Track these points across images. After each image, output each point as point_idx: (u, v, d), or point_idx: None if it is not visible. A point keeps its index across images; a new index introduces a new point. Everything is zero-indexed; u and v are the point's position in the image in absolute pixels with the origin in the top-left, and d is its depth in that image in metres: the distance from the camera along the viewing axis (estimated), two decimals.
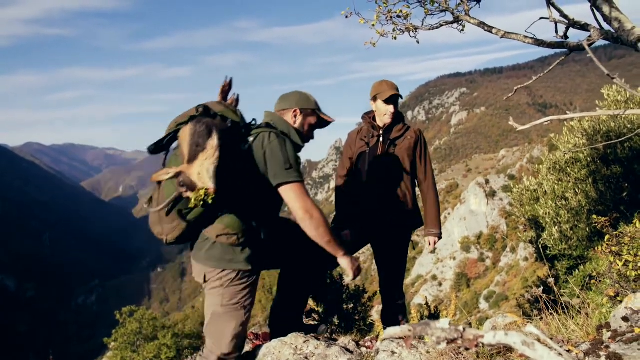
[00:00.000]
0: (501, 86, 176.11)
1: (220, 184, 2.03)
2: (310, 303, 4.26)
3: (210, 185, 2.00)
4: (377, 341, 2.72)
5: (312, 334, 2.72)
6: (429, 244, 3.34)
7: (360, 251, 3.78)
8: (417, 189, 3.39)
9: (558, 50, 2.84)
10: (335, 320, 4.22)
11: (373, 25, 3.29)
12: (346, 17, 3.34)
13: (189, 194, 2.04)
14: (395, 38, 3.33)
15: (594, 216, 3.13)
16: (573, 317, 2.18)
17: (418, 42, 3.39)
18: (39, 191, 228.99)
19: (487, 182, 64.39)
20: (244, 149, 2.24)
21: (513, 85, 3.02)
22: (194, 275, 2.42)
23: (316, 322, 3.99)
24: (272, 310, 2.95)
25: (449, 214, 67.97)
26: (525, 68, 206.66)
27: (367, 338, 2.99)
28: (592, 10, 2.49)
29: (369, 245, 3.41)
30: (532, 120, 2.34)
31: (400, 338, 0.94)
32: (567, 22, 2.64)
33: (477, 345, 0.85)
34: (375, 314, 4.87)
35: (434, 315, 5.55)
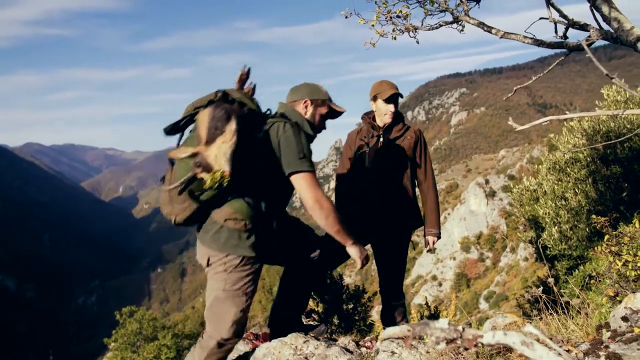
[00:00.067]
0: (501, 86, 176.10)
1: (235, 168, 2.08)
2: (310, 303, 4.26)
3: (226, 167, 2.04)
4: (377, 341, 2.72)
5: (312, 334, 2.72)
6: (428, 243, 3.35)
7: None
8: (417, 189, 3.40)
9: (558, 51, 2.84)
10: (335, 321, 4.23)
11: (373, 25, 3.29)
12: (346, 17, 3.34)
13: (204, 175, 2.09)
14: (395, 38, 3.33)
15: (594, 216, 3.13)
16: (573, 317, 2.18)
17: (418, 42, 3.39)
18: (39, 191, 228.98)
19: (487, 182, 64.39)
20: (259, 137, 2.28)
21: (513, 86, 3.02)
22: (197, 258, 2.43)
23: (316, 323, 4.00)
24: (272, 311, 2.95)
25: (448, 214, 67.96)
26: (525, 68, 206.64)
27: (367, 338, 2.99)
28: (592, 10, 2.49)
29: (369, 246, 3.41)
30: (531, 121, 2.35)
31: (399, 338, 0.94)
32: (566, 22, 2.65)
33: (476, 345, 0.85)
34: (375, 314, 4.87)
35: (434, 316, 5.55)
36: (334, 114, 2.66)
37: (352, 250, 2.48)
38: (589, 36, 2.48)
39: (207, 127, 2.07)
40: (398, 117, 3.29)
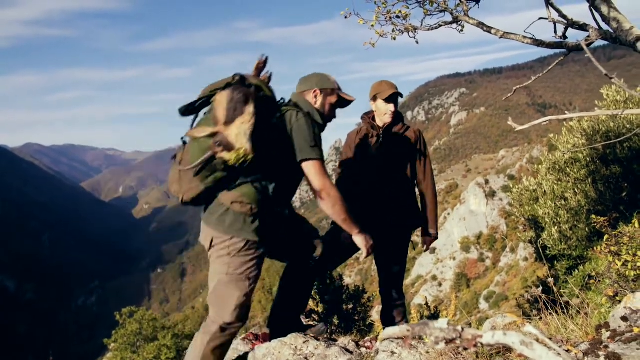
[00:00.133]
0: (501, 86, 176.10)
1: (254, 148, 2.12)
2: (310, 303, 4.26)
3: (248, 146, 2.08)
4: (376, 341, 2.72)
5: (311, 334, 2.72)
6: (424, 244, 3.35)
7: (361, 251, 3.78)
8: (416, 189, 3.40)
9: (557, 51, 2.85)
10: (335, 321, 4.23)
11: (372, 25, 3.30)
12: (345, 17, 3.35)
13: (224, 155, 2.12)
14: (395, 38, 3.34)
15: (593, 216, 3.13)
16: (572, 317, 2.18)
17: (417, 42, 3.39)
18: (39, 192, 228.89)
19: (487, 182, 64.38)
20: (273, 122, 2.32)
21: (512, 86, 3.03)
22: (200, 239, 2.44)
23: (316, 323, 4.00)
24: (272, 311, 2.95)
25: (448, 214, 67.95)
26: (525, 68, 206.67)
27: (366, 338, 3.00)
28: (591, 11, 2.50)
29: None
30: (531, 121, 2.35)
31: (399, 338, 0.94)
32: (565, 22, 2.65)
33: (475, 345, 0.85)
34: (375, 314, 4.87)
35: (434, 316, 5.55)
36: (344, 102, 2.69)
37: (359, 239, 2.55)
38: (588, 36, 2.49)
39: (226, 108, 2.11)
40: (398, 117, 3.29)
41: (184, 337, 13.89)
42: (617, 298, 2.30)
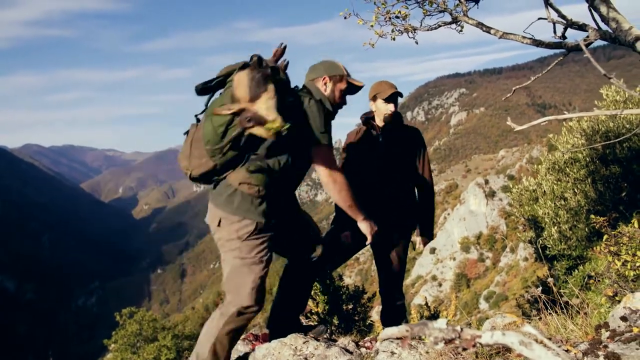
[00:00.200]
0: (500, 86, 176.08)
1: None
2: (310, 304, 4.26)
3: (280, 118, 2.12)
4: (376, 342, 2.72)
5: (311, 335, 2.72)
6: (419, 245, 3.36)
7: (360, 251, 3.78)
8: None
9: (557, 51, 2.85)
10: (335, 321, 4.23)
11: (372, 26, 3.30)
12: (345, 17, 3.35)
13: (257, 130, 2.15)
14: (394, 39, 3.34)
15: (593, 216, 3.13)
16: (572, 317, 2.18)
17: (417, 42, 3.39)
18: (38, 192, 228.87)
19: (487, 182, 64.38)
20: (288, 104, 2.33)
21: (512, 86, 3.03)
22: (206, 220, 2.45)
23: (316, 323, 4.00)
24: (272, 311, 2.96)
25: (448, 214, 67.96)
26: (525, 68, 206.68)
27: (366, 338, 3.00)
28: (590, 11, 2.50)
29: (369, 246, 3.42)
30: (531, 121, 2.35)
31: (398, 338, 0.94)
32: (565, 22, 2.65)
33: (474, 346, 0.85)
34: (375, 314, 4.87)
35: (434, 316, 5.55)
36: (353, 88, 2.71)
37: (363, 226, 2.62)
38: (587, 36, 2.49)
39: (249, 85, 2.13)
40: (397, 117, 3.29)
41: (184, 337, 13.91)
42: (617, 298, 2.31)
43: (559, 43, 2.69)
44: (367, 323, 4.54)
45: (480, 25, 2.98)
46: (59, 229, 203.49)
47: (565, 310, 2.22)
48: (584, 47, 2.24)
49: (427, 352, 2.13)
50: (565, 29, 2.67)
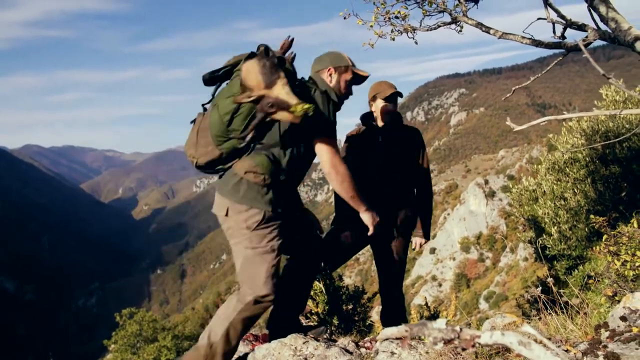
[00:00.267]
0: (500, 87, 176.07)
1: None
2: (310, 304, 4.26)
3: (302, 101, 2.15)
4: (376, 342, 2.72)
5: (311, 335, 2.72)
6: (415, 245, 3.35)
7: (360, 252, 3.78)
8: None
9: (557, 51, 2.85)
10: (335, 321, 4.22)
11: (371, 26, 3.30)
12: (344, 18, 3.35)
13: (280, 115, 2.17)
14: (394, 39, 3.34)
15: (592, 216, 3.13)
16: (572, 317, 2.18)
17: (416, 42, 3.40)
18: (38, 193, 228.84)
19: (487, 182, 64.37)
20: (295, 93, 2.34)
21: (512, 86, 3.03)
22: (214, 210, 2.46)
23: (315, 324, 4.00)
24: (272, 311, 2.95)
25: (448, 214, 67.96)
26: (524, 68, 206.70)
27: (366, 339, 2.99)
28: (589, 11, 2.50)
29: (369, 246, 3.42)
30: (530, 121, 2.35)
31: (397, 338, 0.94)
32: (564, 22, 2.65)
33: (473, 346, 0.85)
34: (375, 314, 4.87)
35: (434, 316, 5.55)
36: (359, 78, 2.71)
37: (366, 217, 2.61)
38: (587, 36, 2.49)
39: (262, 73, 2.14)
40: (397, 117, 3.29)
41: (184, 338, 13.90)
42: (616, 298, 2.31)
43: (558, 43, 2.69)
44: (367, 323, 4.54)
45: (479, 25, 2.99)
46: (58, 230, 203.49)
47: (565, 310, 2.23)
48: (582, 47, 2.24)
49: (427, 352, 2.13)
50: (564, 29, 2.67)
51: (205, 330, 2.42)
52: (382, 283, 3.34)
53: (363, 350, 2.61)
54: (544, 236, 5.40)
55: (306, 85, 2.43)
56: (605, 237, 2.66)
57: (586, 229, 5.06)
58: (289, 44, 2.37)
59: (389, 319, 3.32)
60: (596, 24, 2.51)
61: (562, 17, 2.67)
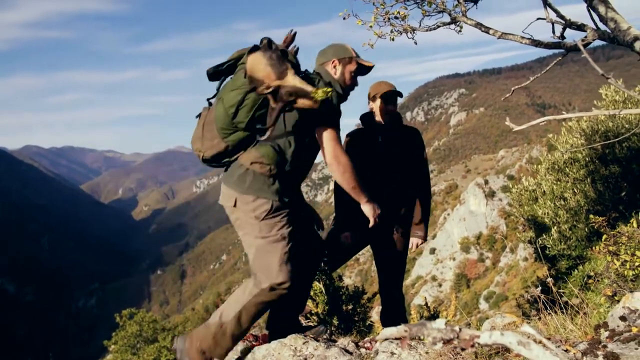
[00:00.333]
0: (500, 87, 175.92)
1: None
2: (310, 304, 4.26)
3: (317, 87, 2.18)
4: (376, 342, 2.72)
5: (311, 335, 2.72)
6: (412, 245, 3.34)
7: (360, 252, 3.78)
8: None
9: (556, 51, 2.85)
10: (335, 322, 4.23)
11: (371, 26, 3.30)
12: (344, 18, 3.35)
13: (301, 102, 2.20)
14: (393, 39, 3.34)
15: (592, 216, 3.13)
16: (572, 317, 2.18)
17: (416, 43, 3.40)
18: (38, 194, 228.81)
19: (486, 182, 64.35)
20: None
21: (512, 86, 3.03)
22: (220, 201, 2.47)
23: (315, 324, 4.00)
24: (271, 312, 2.95)
25: (448, 214, 67.94)
26: (524, 68, 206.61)
27: (366, 339, 2.99)
28: (589, 11, 2.50)
29: (369, 246, 3.42)
30: (530, 121, 2.35)
31: (397, 339, 0.94)
32: (563, 22, 2.65)
33: (473, 346, 0.85)
34: (375, 314, 4.87)
35: (434, 316, 5.55)
36: (363, 69, 2.70)
37: (367, 208, 2.61)
38: (586, 36, 2.49)
39: (270, 65, 2.16)
40: (397, 117, 3.29)
41: None
42: (616, 298, 2.31)
43: (557, 43, 2.69)
44: (367, 323, 4.54)
45: (479, 25, 2.99)
46: (58, 231, 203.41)
47: (564, 310, 2.23)
48: (581, 47, 2.24)
49: (426, 353, 2.13)
50: (563, 29, 2.67)
51: (218, 310, 2.43)
52: (382, 283, 3.34)
53: (363, 350, 2.61)
54: (544, 236, 5.40)
55: (310, 77, 2.44)
56: (604, 237, 2.66)
57: (586, 229, 5.06)
58: (291, 38, 2.38)
59: (388, 319, 3.32)
60: (595, 24, 2.51)
61: (562, 17, 2.67)
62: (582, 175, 5.35)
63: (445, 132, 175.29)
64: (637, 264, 2.29)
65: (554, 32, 2.71)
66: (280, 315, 2.88)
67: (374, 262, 3.43)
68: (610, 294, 2.33)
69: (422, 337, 0.94)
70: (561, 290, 3.69)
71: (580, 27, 2.60)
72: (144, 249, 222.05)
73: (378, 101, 3.23)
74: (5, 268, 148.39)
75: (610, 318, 1.94)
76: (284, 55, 2.23)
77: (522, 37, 2.78)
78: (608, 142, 4.24)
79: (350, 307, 4.49)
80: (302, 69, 2.47)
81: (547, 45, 2.73)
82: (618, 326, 1.83)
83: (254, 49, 2.24)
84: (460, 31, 3.25)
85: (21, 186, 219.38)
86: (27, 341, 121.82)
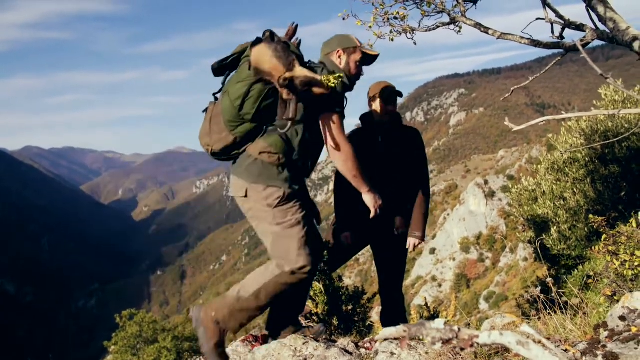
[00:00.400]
0: (499, 87, 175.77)
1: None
2: (310, 305, 4.26)
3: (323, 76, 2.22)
4: (376, 342, 2.72)
5: (311, 336, 2.72)
6: (410, 246, 3.33)
7: (361, 252, 3.78)
8: None
9: (556, 51, 2.85)
10: (335, 322, 4.22)
11: (370, 27, 3.30)
12: (343, 19, 3.35)
13: (316, 90, 2.23)
14: (393, 40, 3.34)
15: (591, 216, 3.14)
16: (572, 317, 2.18)
17: (415, 43, 3.39)
18: (38, 195, 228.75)
19: (486, 182, 64.32)
20: None
21: (511, 86, 3.03)
22: (231, 192, 2.49)
23: (315, 324, 3.99)
24: (271, 312, 2.95)
25: (448, 214, 67.90)
26: (524, 69, 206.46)
27: (366, 339, 2.99)
28: (588, 11, 2.50)
29: (369, 247, 3.42)
30: (530, 121, 2.35)
31: (396, 339, 0.95)
32: (562, 22, 2.65)
33: (472, 345, 0.85)
34: (375, 315, 4.87)
35: (434, 317, 5.54)
36: (369, 58, 2.72)
37: (368, 198, 2.61)
38: (585, 36, 2.49)
39: (277, 57, 2.18)
40: (397, 117, 3.30)
41: (184, 339, 13.88)
42: (615, 297, 2.31)
43: (556, 43, 2.69)
44: (367, 324, 4.54)
45: (478, 25, 2.99)
46: (58, 232, 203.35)
47: (564, 310, 2.23)
48: (580, 47, 2.24)
49: (426, 353, 2.13)
50: (563, 29, 2.67)
51: (236, 285, 2.44)
52: (382, 283, 3.34)
53: (363, 350, 2.61)
54: (544, 236, 5.40)
55: (312, 68, 2.45)
56: (604, 236, 2.66)
57: (585, 229, 5.07)
58: (293, 30, 2.41)
59: (388, 320, 3.32)
60: (594, 24, 2.51)
61: (561, 17, 2.67)
62: (582, 175, 5.36)
63: (445, 132, 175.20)
64: (636, 263, 2.29)
65: (553, 32, 2.71)
66: (280, 315, 2.89)
67: (374, 262, 3.43)
68: (610, 294, 2.33)
69: (421, 337, 0.94)
70: (561, 290, 3.69)
71: (580, 27, 2.60)
72: (144, 249, 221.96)
73: (378, 101, 3.23)
74: (5, 268, 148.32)
75: (610, 318, 1.94)
76: (287, 47, 2.24)
77: (522, 37, 2.78)
78: (607, 142, 4.24)
79: (350, 307, 4.49)
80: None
81: (547, 46, 2.73)
82: (617, 326, 1.83)
83: (257, 41, 2.26)
84: (459, 31, 3.24)
85: (21, 187, 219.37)
86: (27, 342, 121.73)
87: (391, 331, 0.97)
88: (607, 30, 2.43)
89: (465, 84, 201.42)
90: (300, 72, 2.19)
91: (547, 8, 2.67)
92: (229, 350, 2.65)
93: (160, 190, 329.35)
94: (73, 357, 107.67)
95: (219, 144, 2.40)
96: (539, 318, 2.34)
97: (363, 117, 3.39)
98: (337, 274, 4.64)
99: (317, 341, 2.60)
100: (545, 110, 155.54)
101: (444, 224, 66.12)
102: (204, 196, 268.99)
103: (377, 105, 3.25)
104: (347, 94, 2.56)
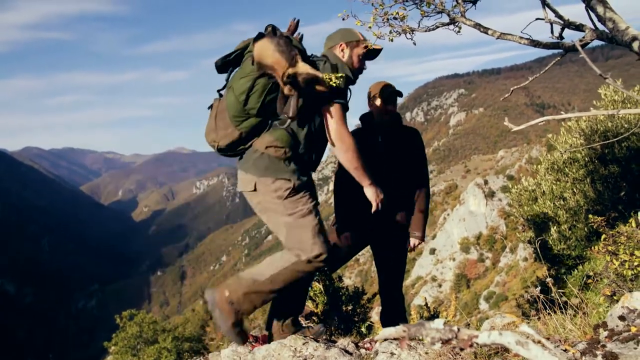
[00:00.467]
0: (499, 87, 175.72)
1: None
2: (310, 305, 4.26)
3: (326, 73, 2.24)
4: (376, 342, 2.72)
5: (310, 336, 2.72)
6: (410, 246, 3.34)
7: (360, 252, 3.78)
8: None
9: (555, 51, 2.85)
10: (335, 322, 4.23)
11: (370, 27, 3.30)
12: (343, 19, 3.34)
13: (319, 87, 2.24)
14: (392, 40, 3.34)
15: (591, 216, 3.14)
16: (571, 317, 2.18)
17: (415, 43, 3.39)
18: (38, 195, 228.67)
19: (486, 182, 64.31)
20: None
21: (511, 86, 3.03)
22: (239, 187, 2.50)
23: (315, 324, 3.99)
24: (271, 312, 2.95)
25: (448, 214, 67.89)
26: (523, 69, 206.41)
27: (366, 339, 2.99)
28: (587, 11, 2.51)
29: (369, 247, 3.42)
30: (529, 121, 2.35)
31: (396, 339, 0.95)
32: (562, 22, 2.66)
33: (471, 346, 0.85)
34: (375, 315, 4.87)
35: (434, 317, 5.55)
36: (372, 53, 2.72)
37: (369, 191, 2.58)
38: (584, 36, 2.50)
39: (280, 52, 2.18)
40: (396, 117, 3.30)
41: (184, 339, 13.89)
42: (615, 297, 2.31)
43: (556, 43, 2.69)
44: (367, 324, 4.54)
45: (477, 26, 2.99)
46: (58, 232, 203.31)
47: (564, 310, 2.23)
48: (579, 47, 2.24)
49: (426, 353, 2.13)
50: (562, 29, 2.67)
51: (251, 268, 2.45)
52: (382, 284, 3.34)
53: (363, 351, 2.61)
54: (544, 236, 5.40)
55: (314, 62, 2.45)
56: (604, 236, 2.66)
57: (585, 229, 5.07)
58: (295, 25, 2.42)
59: (388, 320, 3.32)
60: (594, 24, 2.51)
61: (560, 17, 2.67)
62: (582, 175, 5.36)
63: (445, 132, 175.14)
64: (636, 263, 2.29)
65: (552, 32, 2.71)
66: (280, 315, 2.88)
67: (374, 262, 3.43)
68: (610, 294, 2.33)
69: (421, 338, 0.94)
70: (561, 290, 3.69)
71: (579, 27, 2.60)
72: (144, 250, 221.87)
73: (378, 101, 3.23)
74: (5, 269, 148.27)
75: (610, 318, 1.94)
76: (289, 42, 2.25)
77: (521, 38, 2.79)
78: (607, 142, 4.24)
79: (350, 307, 4.50)
80: None
81: (546, 46, 2.74)
82: (617, 326, 1.84)
83: (260, 36, 2.27)
84: (459, 32, 3.25)
85: (21, 187, 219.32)
86: (27, 342, 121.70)
87: (391, 331, 0.97)
88: (607, 30, 2.43)
89: (465, 84, 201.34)
90: (303, 68, 2.19)
91: (547, 8, 2.67)
92: (229, 350, 2.65)
93: (160, 190, 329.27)
94: (73, 358, 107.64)
95: (225, 140, 2.41)
96: (539, 318, 2.34)
97: (363, 117, 3.39)
98: (337, 274, 4.65)
99: (317, 341, 2.60)
100: (544, 110, 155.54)
101: (444, 224, 66.13)
102: (203, 197, 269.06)
103: (377, 106, 3.25)
104: (350, 87, 2.56)
